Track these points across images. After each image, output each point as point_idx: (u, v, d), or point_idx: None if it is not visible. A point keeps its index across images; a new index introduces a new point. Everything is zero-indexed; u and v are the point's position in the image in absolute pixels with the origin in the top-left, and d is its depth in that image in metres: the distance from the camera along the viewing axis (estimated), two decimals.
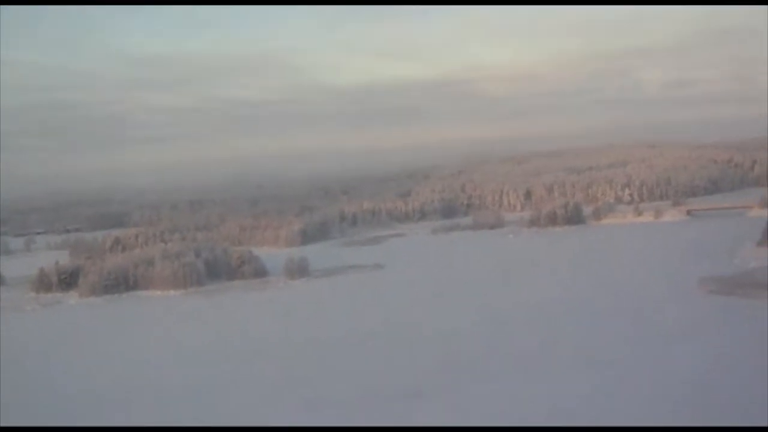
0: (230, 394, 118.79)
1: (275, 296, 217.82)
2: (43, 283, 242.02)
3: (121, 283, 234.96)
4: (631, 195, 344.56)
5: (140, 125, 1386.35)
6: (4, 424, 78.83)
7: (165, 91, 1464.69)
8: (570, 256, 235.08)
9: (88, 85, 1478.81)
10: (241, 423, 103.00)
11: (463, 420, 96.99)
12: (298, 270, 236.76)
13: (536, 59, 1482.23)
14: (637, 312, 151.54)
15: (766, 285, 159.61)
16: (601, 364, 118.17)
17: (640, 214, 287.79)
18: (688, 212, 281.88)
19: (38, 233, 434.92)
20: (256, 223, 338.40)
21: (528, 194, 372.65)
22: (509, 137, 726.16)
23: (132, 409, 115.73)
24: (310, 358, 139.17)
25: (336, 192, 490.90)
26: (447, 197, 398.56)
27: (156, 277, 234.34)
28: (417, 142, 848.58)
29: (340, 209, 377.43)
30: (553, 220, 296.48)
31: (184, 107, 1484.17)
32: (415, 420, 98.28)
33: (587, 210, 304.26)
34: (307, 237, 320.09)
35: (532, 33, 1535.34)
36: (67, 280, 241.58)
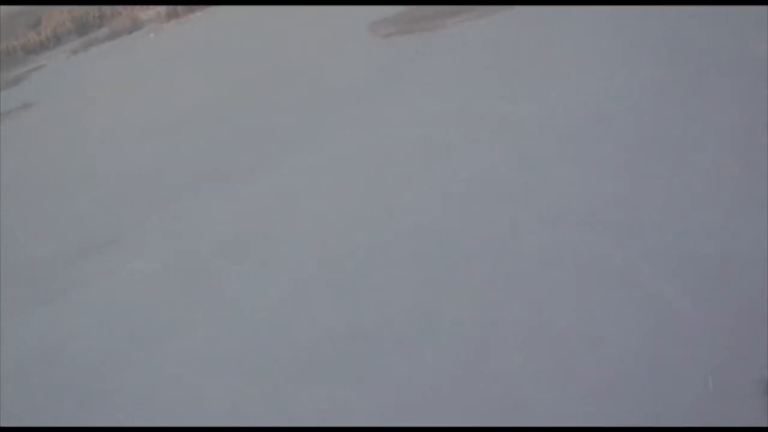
0: None
1: None
2: None
3: None
4: None
5: None
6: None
7: None
8: (218, 40, 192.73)
9: None
10: None
11: None
12: None
13: None
14: (326, 78, 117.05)
15: (443, 12, 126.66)
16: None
17: None
18: None
19: None
20: None
21: None
22: None
23: None
24: None
25: None
26: (78, 15, 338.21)
27: None
28: None
29: None
30: (191, 6, 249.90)
31: None
32: None
33: None
34: None
35: None
36: None
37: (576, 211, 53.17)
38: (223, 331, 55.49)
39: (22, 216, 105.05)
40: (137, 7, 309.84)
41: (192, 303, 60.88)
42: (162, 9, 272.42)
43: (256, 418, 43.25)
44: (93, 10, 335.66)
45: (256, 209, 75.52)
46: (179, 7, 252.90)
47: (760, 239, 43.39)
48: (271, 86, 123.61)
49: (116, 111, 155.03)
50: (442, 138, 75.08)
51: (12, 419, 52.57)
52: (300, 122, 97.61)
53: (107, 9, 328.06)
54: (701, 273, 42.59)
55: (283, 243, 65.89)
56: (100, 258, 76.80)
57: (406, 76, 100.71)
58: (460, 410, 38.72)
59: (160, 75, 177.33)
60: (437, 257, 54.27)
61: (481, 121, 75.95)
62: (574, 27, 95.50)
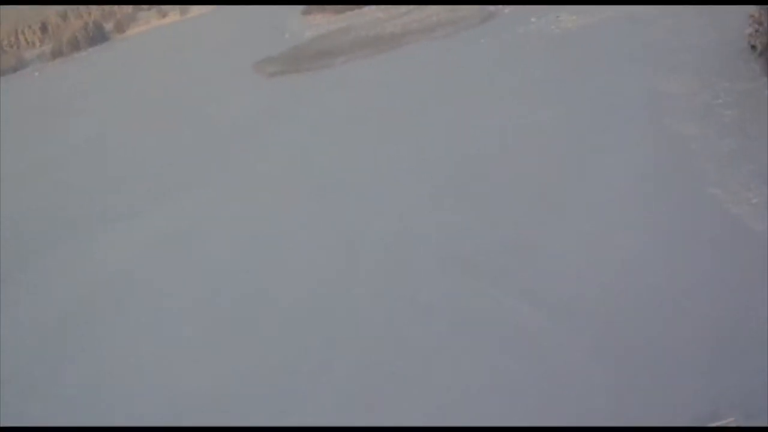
0: None
1: None
2: None
3: None
4: None
5: None
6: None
7: None
8: (105, 79, 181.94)
9: None
10: None
11: None
12: None
13: None
14: (209, 121, 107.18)
15: (329, 51, 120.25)
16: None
17: (164, 15, 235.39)
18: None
19: None
20: None
21: (44, 27, 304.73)
22: None
23: None
24: None
25: None
26: None
27: None
28: None
29: None
30: (75, 45, 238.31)
31: None
32: None
33: (108, 26, 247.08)
34: None
35: None
36: None
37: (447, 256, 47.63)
38: None
39: None
40: (22, 47, 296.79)
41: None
42: (47, 48, 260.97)
43: None
44: None
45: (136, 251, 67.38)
46: (65, 46, 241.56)
47: (653, 283, 38.37)
48: (157, 129, 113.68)
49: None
50: (321, 181, 68.28)
51: None
52: (184, 164, 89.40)
53: None
54: (596, 325, 37.09)
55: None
56: None
57: (287, 118, 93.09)
58: None
59: (43, 114, 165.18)
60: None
61: (357, 165, 69.30)
62: (462, 66, 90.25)
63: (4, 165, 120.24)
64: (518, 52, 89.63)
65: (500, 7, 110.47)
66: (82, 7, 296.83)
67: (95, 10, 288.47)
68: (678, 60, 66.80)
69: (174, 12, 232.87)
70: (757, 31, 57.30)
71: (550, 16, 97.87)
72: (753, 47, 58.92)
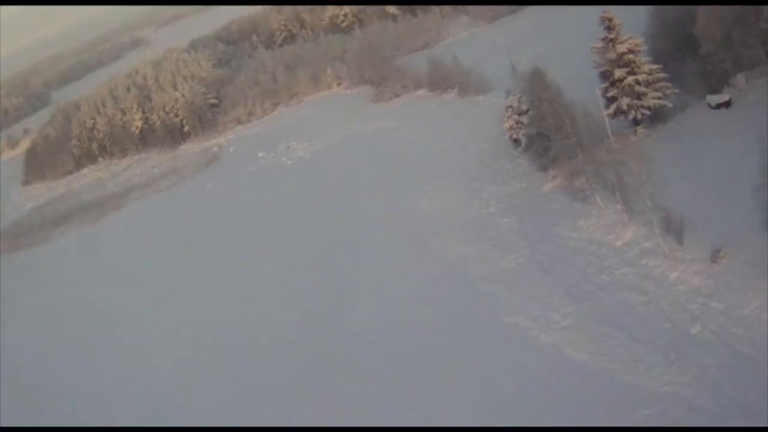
0: None
1: None
2: None
3: None
4: None
5: None
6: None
7: None
8: None
9: None
10: None
11: None
12: None
13: None
14: None
15: (50, 222, 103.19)
16: None
17: None
18: None
19: None
20: None
21: None
22: None
23: None
24: None
25: None
26: None
27: None
28: None
29: None
30: None
31: None
32: None
33: None
34: None
35: None
36: None
37: None
38: None
39: None
40: None
41: None
42: None
43: None
44: None
45: None
46: None
47: None
48: None
49: None
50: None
51: None
52: None
53: None
54: None
55: None
56: None
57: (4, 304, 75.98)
58: None
59: None
60: None
61: (77, 351, 56.76)
62: (189, 217, 76.67)
63: None
64: (247, 191, 77.43)
65: (225, 146, 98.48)
66: None
67: None
68: (432, 170, 55.55)
69: None
70: (517, 123, 46.30)
71: (280, 148, 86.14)
72: (516, 141, 47.98)
